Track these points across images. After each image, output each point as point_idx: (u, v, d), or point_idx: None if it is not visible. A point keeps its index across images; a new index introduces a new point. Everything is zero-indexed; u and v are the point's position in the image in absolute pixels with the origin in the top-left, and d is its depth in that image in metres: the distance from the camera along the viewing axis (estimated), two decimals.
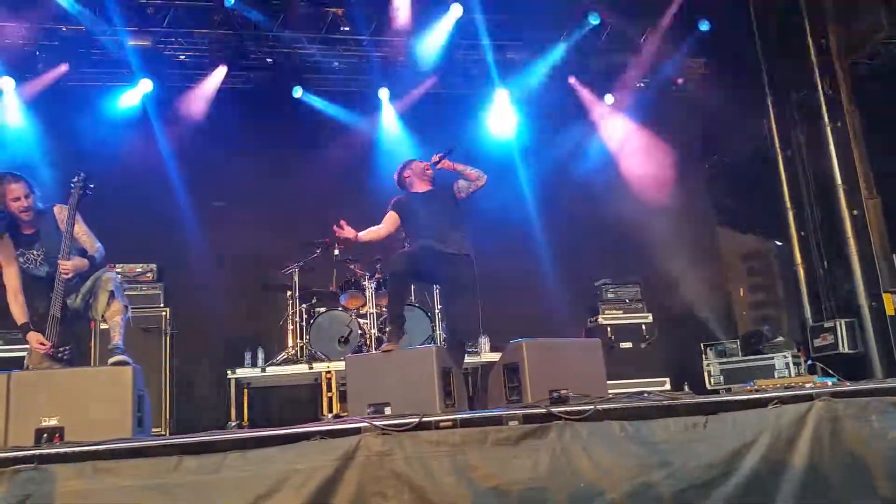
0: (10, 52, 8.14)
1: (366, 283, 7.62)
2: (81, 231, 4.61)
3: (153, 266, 7.50)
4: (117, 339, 4.46)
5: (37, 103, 8.29)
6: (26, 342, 4.49)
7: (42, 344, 4.37)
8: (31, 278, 4.52)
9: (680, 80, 9.85)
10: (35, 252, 4.50)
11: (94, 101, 8.55)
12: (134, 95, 8.64)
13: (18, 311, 4.46)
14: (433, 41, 8.84)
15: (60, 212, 4.59)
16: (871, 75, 8.65)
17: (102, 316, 4.57)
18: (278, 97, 9.08)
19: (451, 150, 5.47)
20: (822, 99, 8.26)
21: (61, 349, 4.44)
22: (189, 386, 7.82)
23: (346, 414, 6.17)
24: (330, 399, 6.88)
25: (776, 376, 7.52)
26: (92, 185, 4.60)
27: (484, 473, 3.25)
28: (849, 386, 4.21)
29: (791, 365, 7.65)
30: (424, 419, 3.36)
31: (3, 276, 4.47)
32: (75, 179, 4.58)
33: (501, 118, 9.59)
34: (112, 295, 4.54)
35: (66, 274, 4.42)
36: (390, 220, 5.51)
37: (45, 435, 3.66)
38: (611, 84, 9.78)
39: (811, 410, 3.58)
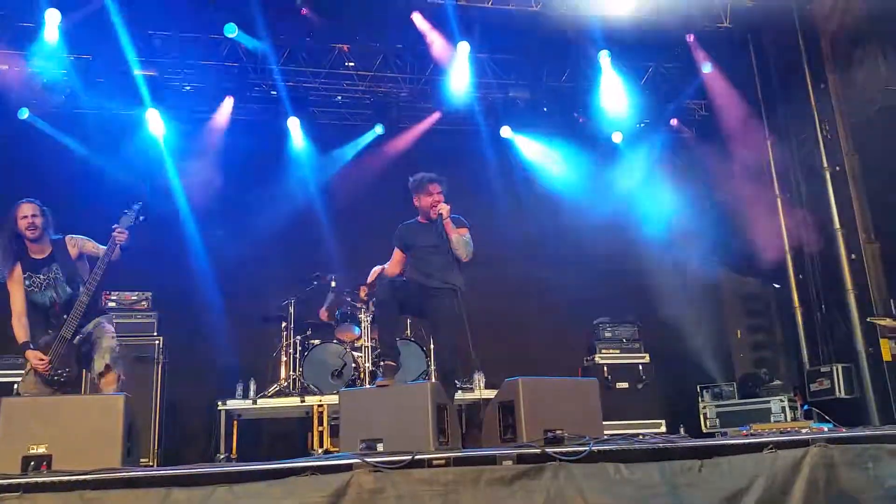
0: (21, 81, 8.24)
1: (361, 315, 7.59)
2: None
3: (148, 294, 7.48)
4: None
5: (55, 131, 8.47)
6: (24, 360, 4.59)
7: (41, 360, 4.47)
8: (31, 302, 4.65)
9: (673, 122, 9.92)
10: (41, 276, 4.63)
11: (102, 128, 8.60)
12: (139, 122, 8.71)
13: (21, 330, 4.58)
14: (448, 79, 8.97)
15: (71, 240, 4.76)
16: (869, 120, 8.73)
17: (97, 375, 4.61)
18: (280, 129, 9.15)
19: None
20: (821, 143, 8.33)
21: (59, 371, 4.51)
22: (178, 416, 7.75)
23: (336, 449, 6.11)
24: (321, 433, 6.80)
25: (772, 420, 7.47)
26: (143, 217, 4.79)
27: None
28: (845, 432, 4.18)
29: (787, 409, 7.59)
30: (417, 457, 3.31)
31: (10, 298, 4.61)
32: (135, 206, 4.77)
33: (502, 154, 9.67)
34: (108, 368, 4.59)
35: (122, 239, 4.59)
36: (396, 260, 5.42)
37: (31, 463, 3.60)
38: (614, 123, 9.88)
39: (807, 456, 3.55)
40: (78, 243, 4.77)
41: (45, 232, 4.66)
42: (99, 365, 4.58)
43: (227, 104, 8.84)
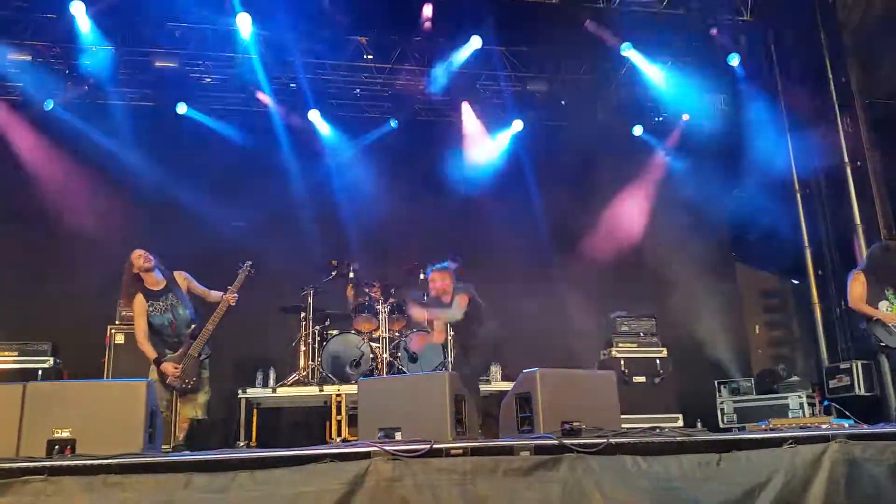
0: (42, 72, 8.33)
1: (379, 307, 7.61)
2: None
3: None
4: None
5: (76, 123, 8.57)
6: (159, 373, 5.56)
7: (175, 369, 5.51)
8: (149, 324, 5.66)
9: (685, 117, 9.82)
10: (161, 303, 5.67)
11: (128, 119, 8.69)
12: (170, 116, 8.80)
13: (149, 349, 5.61)
14: (454, 71, 8.94)
15: (179, 275, 5.84)
16: (890, 115, 8.63)
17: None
18: (299, 121, 9.17)
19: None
20: (842, 138, 8.24)
21: (186, 380, 5.56)
22: None
23: (354, 438, 6.15)
24: (339, 422, 6.85)
25: (790, 416, 7.41)
26: (253, 272, 5.95)
27: None
28: (866, 428, 4.15)
29: (806, 405, 7.53)
30: (435, 446, 3.33)
31: (135, 325, 5.68)
32: (246, 265, 5.94)
33: (520, 149, 9.65)
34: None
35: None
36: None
37: (56, 446, 3.67)
38: (634, 116, 9.82)
39: (827, 452, 3.53)
40: (186, 280, 5.84)
41: (155, 268, 5.69)
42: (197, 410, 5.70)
43: (262, 97, 8.95)
